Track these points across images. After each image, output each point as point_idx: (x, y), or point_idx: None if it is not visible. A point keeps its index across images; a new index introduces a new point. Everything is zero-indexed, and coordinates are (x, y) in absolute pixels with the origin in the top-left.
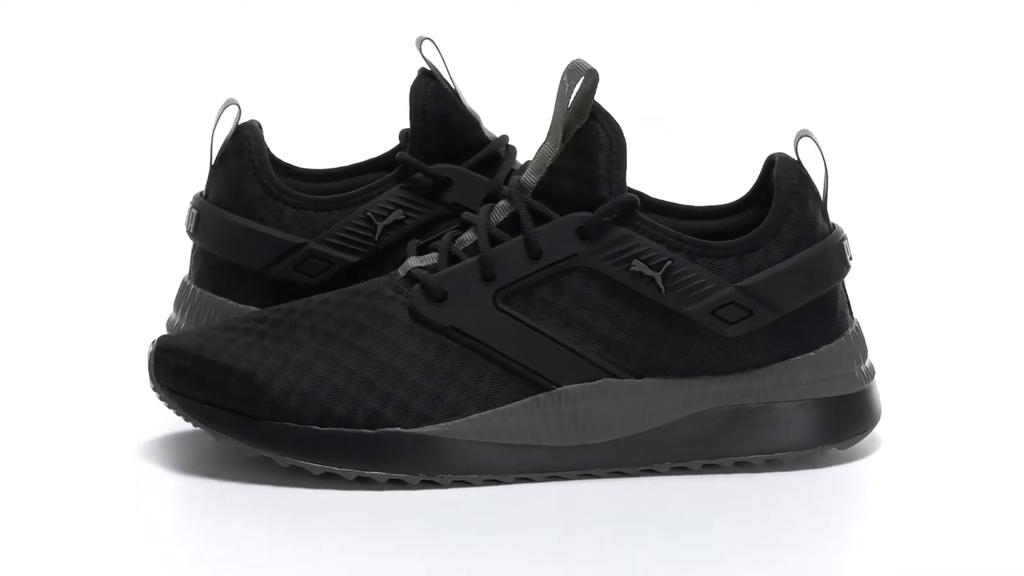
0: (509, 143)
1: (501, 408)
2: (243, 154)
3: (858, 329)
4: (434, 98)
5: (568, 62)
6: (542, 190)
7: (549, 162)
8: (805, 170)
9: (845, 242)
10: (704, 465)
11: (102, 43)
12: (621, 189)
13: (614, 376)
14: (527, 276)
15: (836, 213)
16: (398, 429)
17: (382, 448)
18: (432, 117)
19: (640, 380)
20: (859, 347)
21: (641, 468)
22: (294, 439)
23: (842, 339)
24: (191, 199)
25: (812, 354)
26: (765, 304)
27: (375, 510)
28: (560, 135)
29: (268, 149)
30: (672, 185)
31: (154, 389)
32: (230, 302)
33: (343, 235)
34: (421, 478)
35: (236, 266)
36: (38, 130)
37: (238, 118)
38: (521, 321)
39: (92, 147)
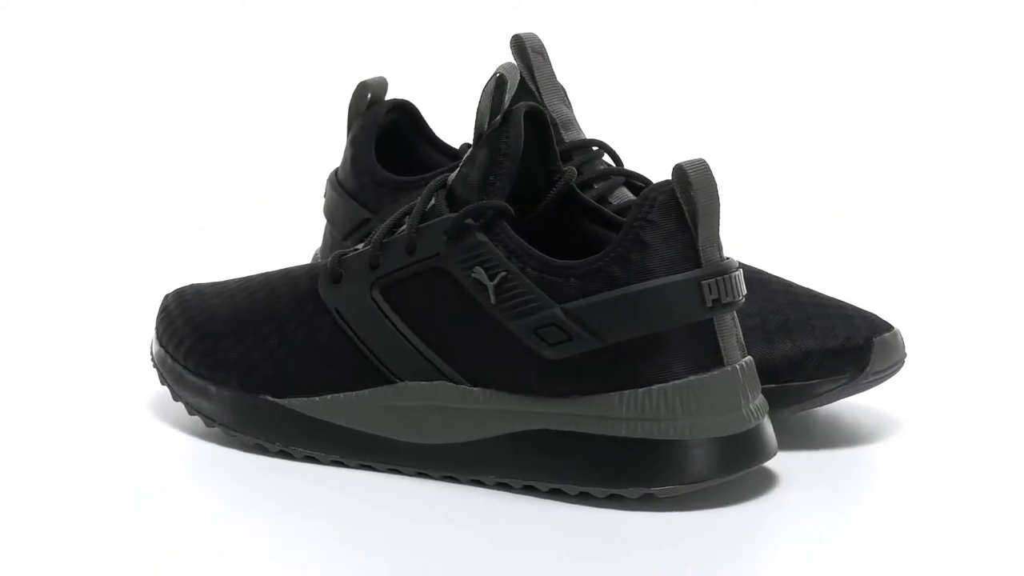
0: (593, 146)
1: (352, 393)
2: (357, 131)
3: (742, 368)
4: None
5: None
6: (451, 188)
7: (462, 162)
8: (678, 199)
9: (709, 282)
10: (524, 486)
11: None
12: (499, 196)
13: (452, 380)
14: (399, 270)
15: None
16: (267, 397)
17: (250, 413)
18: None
19: (474, 389)
20: (740, 387)
21: (470, 478)
22: (200, 394)
23: (682, 382)
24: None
25: (640, 390)
26: (587, 331)
27: (234, 469)
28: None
29: (424, 127)
30: None
31: (155, 328)
32: None
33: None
34: (279, 447)
35: (331, 233)
36: (227, 104)
37: (376, 99)
38: (383, 312)
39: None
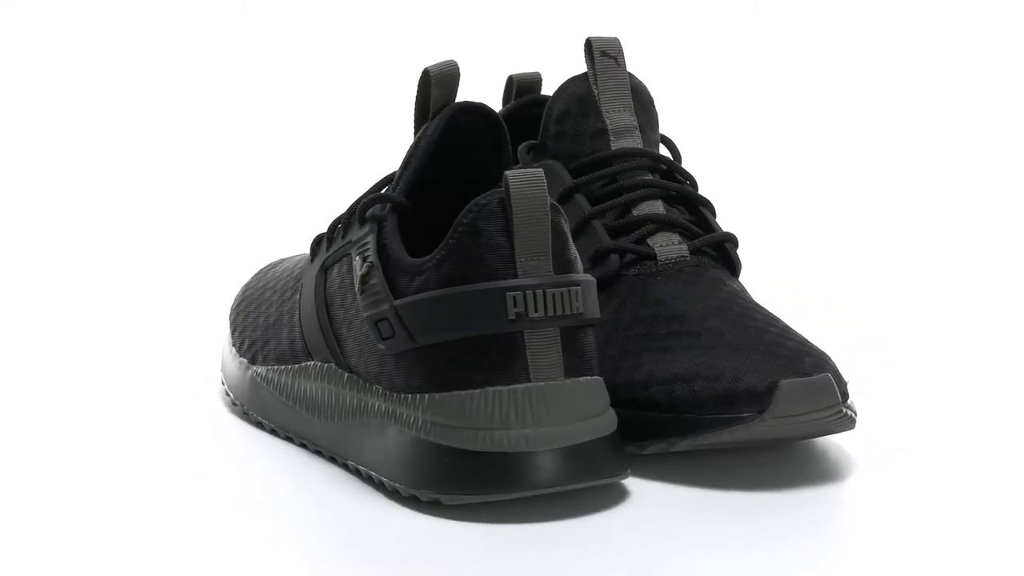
0: (634, 154)
1: (289, 366)
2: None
3: (554, 388)
4: (567, 97)
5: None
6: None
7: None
8: (502, 208)
9: (515, 294)
10: (367, 475)
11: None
12: (403, 190)
13: (338, 364)
14: (336, 251)
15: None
16: (243, 360)
17: (234, 375)
18: (556, 115)
19: (348, 374)
20: (539, 406)
21: (342, 460)
22: (227, 355)
23: (479, 392)
24: None
25: (438, 395)
26: (404, 329)
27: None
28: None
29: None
30: None
31: None
32: None
33: None
34: (243, 410)
35: None
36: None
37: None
38: (315, 291)
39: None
